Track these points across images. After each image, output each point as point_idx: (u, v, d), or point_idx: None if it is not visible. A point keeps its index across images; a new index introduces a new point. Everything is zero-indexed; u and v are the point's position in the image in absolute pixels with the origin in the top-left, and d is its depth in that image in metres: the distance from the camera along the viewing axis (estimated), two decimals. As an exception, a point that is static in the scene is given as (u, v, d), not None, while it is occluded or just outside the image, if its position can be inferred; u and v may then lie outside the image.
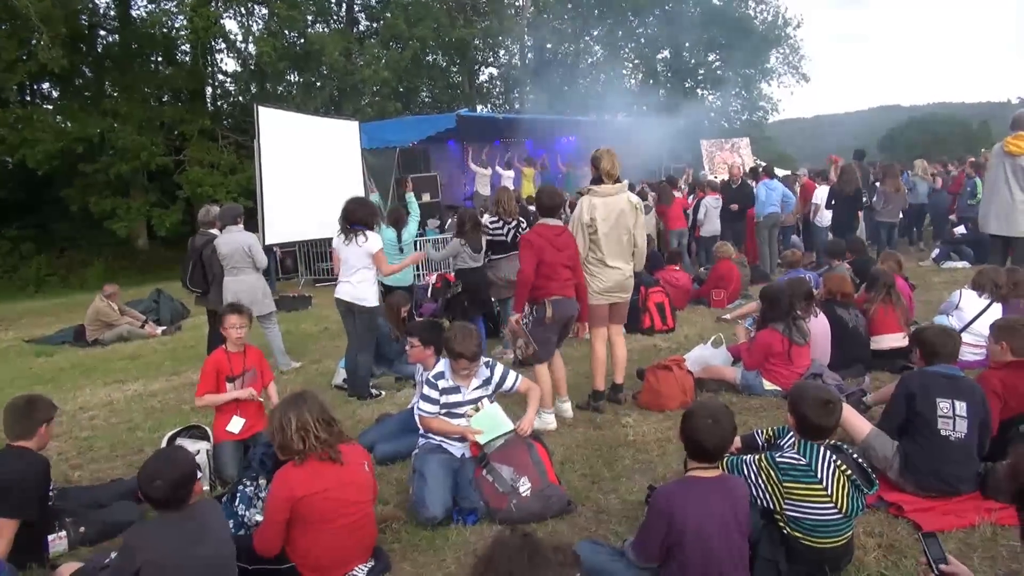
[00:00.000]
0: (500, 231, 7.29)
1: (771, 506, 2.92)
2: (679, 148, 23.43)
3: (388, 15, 24.81)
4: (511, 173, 17.63)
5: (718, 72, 35.37)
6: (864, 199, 11.25)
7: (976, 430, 3.50)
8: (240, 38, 23.05)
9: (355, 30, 27.02)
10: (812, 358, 5.45)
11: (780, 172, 23.54)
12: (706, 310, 9.19)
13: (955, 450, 3.49)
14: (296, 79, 24.20)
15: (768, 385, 5.36)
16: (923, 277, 9.96)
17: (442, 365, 3.94)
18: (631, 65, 36.01)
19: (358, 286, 6.06)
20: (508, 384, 4.11)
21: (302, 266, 15.48)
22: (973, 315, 5.68)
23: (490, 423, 3.90)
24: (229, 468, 4.42)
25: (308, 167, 12.74)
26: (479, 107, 32.83)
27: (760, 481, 2.93)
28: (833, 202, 10.23)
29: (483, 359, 4.08)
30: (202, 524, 2.64)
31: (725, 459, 3.05)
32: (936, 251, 11.27)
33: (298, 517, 2.88)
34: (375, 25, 27.25)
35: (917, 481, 3.54)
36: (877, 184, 11.51)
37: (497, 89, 35.19)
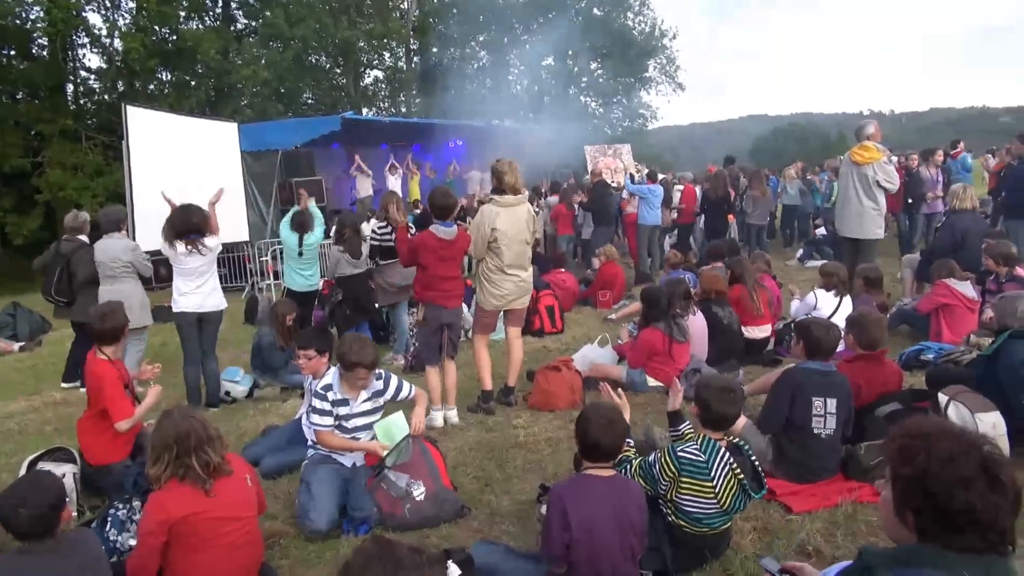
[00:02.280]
0: (388, 236, 7.21)
1: (665, 495, 3.02)
2: (564, 154, 23.96)
3: (268, 13, 23.98)
4: (397, 178, 17.44)
5: (600, 80, 36.44)
6: (737, 204, 11.96)
7: (842, 423, 3.78)
8: (105, 33, 21.63)
9: (232, 28, 25.98)
10: (691, 354, 5.72)
11: (661, 176, 24.52)
12: (593, 311, 9.44)
13: (824, 446, 3.75)
14: (169, 78, 23.00)
15: (652, 381, 5.58)
16: (789, 276, 10.65)
17: (330, 376, 3.84)
18: (516, 71, 36.53)
19: (211, 294, 5.92)
20: (403, 394, 4.08)
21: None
22: (829, 313, 6.12)
23: (391, 432, 3.86)
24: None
25: (183, 170, 12.10)
26: (364, 110, 32.33)
27: (659, 472, 3.02)
28: (704, 207, 10.78)
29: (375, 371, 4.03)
30: (70, 555, 2.46)
31: (636, 462, 3.14)
32: (800, 251, 12.08)
33: (176, 539, 2.73)
34: (254, 23, 26.30)
35: (788, 472, 3.79)
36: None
37: (383, 92, 34.80)
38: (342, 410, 3.79)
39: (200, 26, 24.07)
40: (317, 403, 3.75)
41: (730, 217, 11.62)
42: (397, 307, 7.41)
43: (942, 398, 3.88)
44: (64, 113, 20.32)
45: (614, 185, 13.78)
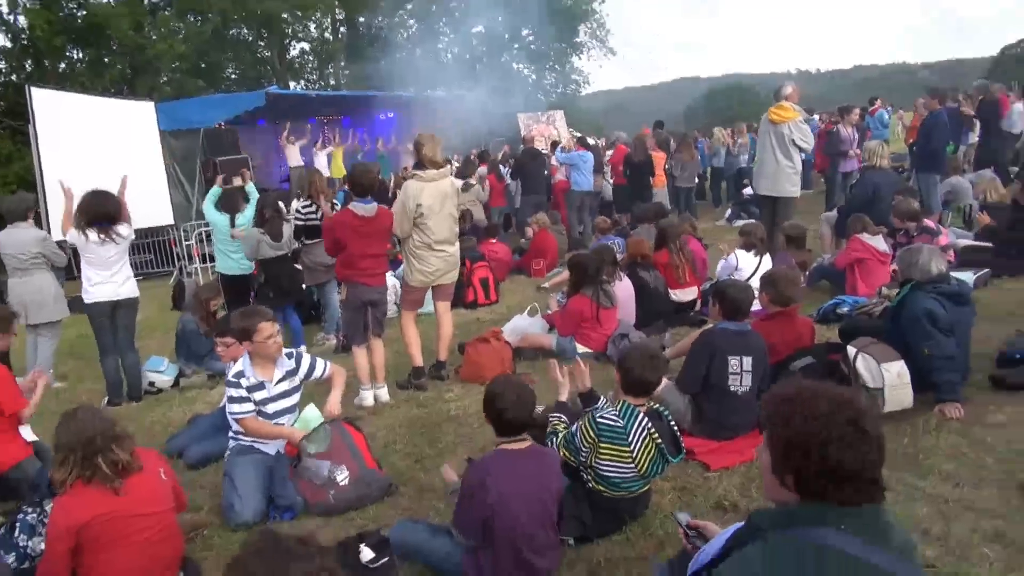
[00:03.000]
0: (313, 215, 7.06)
1: (586, 461, 3.07)
2: (498, 122, 23.75)
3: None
4: (323, 155, 17.02)
5: (532, 47, 36.17)
6: (667, 166, 12.10)
7: (758, 380, 3.89)
8: (6, 9, 20.36)
9: (147, 2, 24.75)
10: (619, 319, 5.81)
11: (592, 141, 24.59)
12: (527, 280, 9.49)
13: (740, 402, 3.87)
14: (81, 56, 21.84)
15: (581, 348, 5.64)
16: (718, 236, 10.87)
17: (240, 363, 3.75)
18: (447, 40, 35.94)
19: (125, 283, 5.77)
20: (317, 373, 4.02)
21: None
22: (750, 272, 6.28)
23: (308, 425, 3.81)
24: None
25: (97, 154, 11.62)
26: (292, 84, 31.39)
27: (580, 438, 3.07)
28: (627, 171, 10.88)
29: (285, 350, 3.96)
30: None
31: (562, 434, 3.16)
32: (728, 211, 12.34)
33: (86, 542, 2.65)
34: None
35: (706, 430, 3.90)
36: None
37: (310, 65, 33.85)
38: (259, 394, 3.71)
39: (112, 0, 22.86)
40: (232, 391, 3.66)
41: (659, 180, 11.74)
42: (326, 286, 7.27)
43: (851, 350, 4.03)
44: (-34, 96, 19.17)
45: (546, 153, 13.78)
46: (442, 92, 26.99)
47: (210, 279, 10.03)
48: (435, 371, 5.64)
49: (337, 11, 32.13)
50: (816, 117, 14.85)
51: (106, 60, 21.49)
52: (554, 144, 13.31)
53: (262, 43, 29.08)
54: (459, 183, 5.48)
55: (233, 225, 7.16)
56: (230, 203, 7.25)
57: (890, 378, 3.84)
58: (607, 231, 8.67)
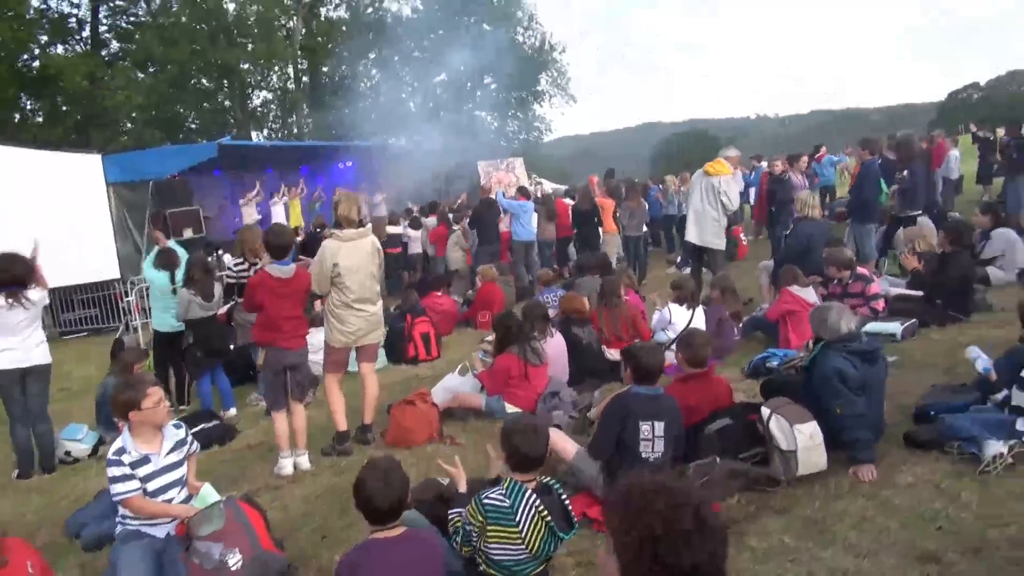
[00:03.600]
0: (246, 273, 6.95)
1: (476, 546, 2.95)
2: (459, 170, 23.87)
3: (139, 36, 22.93)
4: (280, 205, 16.91)
5: (494, 95, 36.69)
6: (617, 214, 12.19)
7: (672, 445, 3.81)
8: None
9: (105, 53, 24.71)
10: (550, 376, 5.73)
11: (551, 186, 24.80)
12: (474, 332, 9.39)
13: (652, 469, 3.77)
14: (34, 107, 21.67)
15: (510, 408, 5.53)
16: (667, 284, 10.92)
17: (120, 440, 3.56)
18: (410, 89, 36.33)
19: (37, 347, 5.59)
20: (194, 448, 3.84)
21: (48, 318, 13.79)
22: (683, 325, 6.27)
23: (205, 501, 3.63)
24: None
25: (36, 208, 11.42)
26: (254, 133, 31.43)
27: (468, 521, 2.96)
28: (576, 220, 10.95)
29: (172, 421, 3.79)
30: None
31: (457, 525, 3.04)
32: (679, 257, 12.42)
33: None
34: (127, 47, 25.10)
35: (619, 494, 3.80)
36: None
37: (273, 114, 33.97)
38: (144, 469, 3.51)
39: (66, 50, 22.81)
40: (114, 471, 3.43)
41: (608, 227, 11.81)
42: (255, 348, 7.11)
43: (764, 411, 3.98)
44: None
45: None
46: (401, 140, 27.18)
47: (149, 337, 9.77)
48: (360, 435, 5.49)
49: (300, 61, 32.39)
50: (764, 164, 15.14)
51: (62, 111, 21.33)
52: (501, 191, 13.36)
53: (223, 93, 29.16)
54: (378, 243, 5.38)
55: (173, 282, 7.02)
56: (168, 260, 7.10)
57: (803, 440, 3.80)
58: (550, 283, 8.64)
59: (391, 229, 13.45)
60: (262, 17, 27.12)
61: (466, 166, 23.64)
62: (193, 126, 28.30)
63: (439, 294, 9.45)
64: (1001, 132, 13.35)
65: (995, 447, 3.55)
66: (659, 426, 3.76)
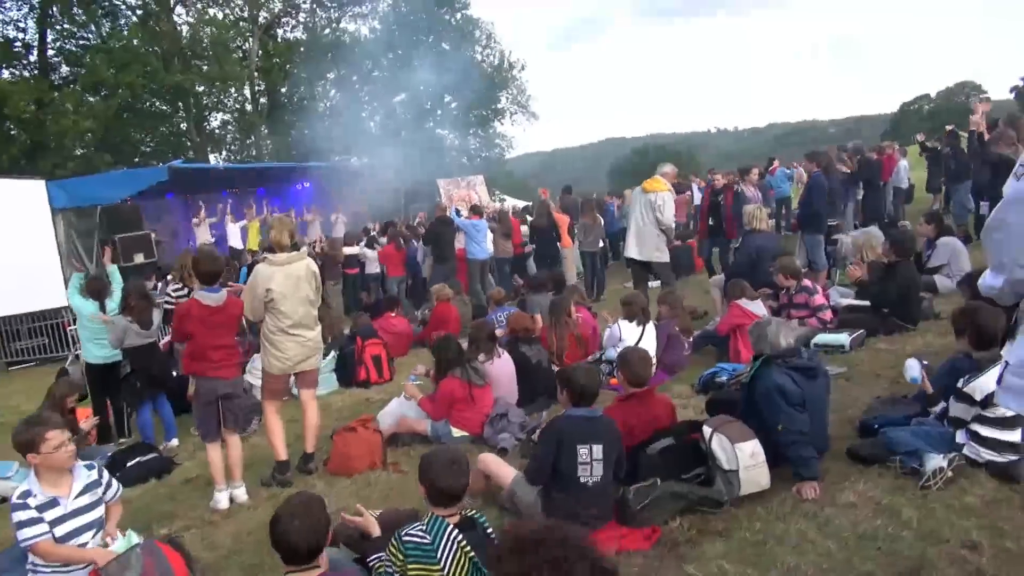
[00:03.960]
0: (184, 297, 6.74)
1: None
2: (419, 188, 23.74)
3: (88, 60, 22.46)
4: (237, 227, 16.62)
5: (455, 113, 36.70)
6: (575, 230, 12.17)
7: (611, 468, 3.69)
8: None
9: (54, 77, 24.15)
10: (498, 396, 5.60)
11: (516, 202, 24.73)
12: (429, 353, 9.21)
13: (592, 494, 3.63)
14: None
15: (456, 432, 5.40)
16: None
17: (26, 482, 3.35)
18: (370, 108, 36.17)
19: None
20: (108, 494, 3.61)
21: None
22: (634, 342, 6.20)
23: (122, 543, 3.43)
24: None
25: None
26: (212, 156, 30.98)
27: (390, 561, 2.82)
28: (533, 237, 10.90)
29: (85, 461, 3.58)
30: None
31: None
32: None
33: None
34: (76, 71, 24.58)
35: (559, 520, 3.68)
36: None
37: (231, 135, 33.52)
38: (52, 513, 3.29)
39: (13, 74, 22.24)
40: (19, 515, 3.21)
41: (566, 242, 11.79)
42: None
43: (706, 430, 3.90)
44: None
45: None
46: (358, 160, 26.99)
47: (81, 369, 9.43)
48: (302, 464, 5.30)
49: (257, 82, 32.05)
50: (718, 176, 15.27)
51: (10, 135, 20.77)
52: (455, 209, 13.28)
53: (180, 116, 28.68)
54: (315, 267, 5.23)
55: (103, 311, 6.75)
56: (97, 287, 6.84)
57: (744, 459, 3.72)
58: (502, 302, 8.53)
59: (348, 250, 13.25)
60: (216, 39, 26.78)
61: (427, 184, 23.55)
62: (147, 150, 27.81)
63: (392, 315, 9.27)
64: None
65: (935, 461, 3.51)
66: (597, 449, 3.65)
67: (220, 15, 29.69)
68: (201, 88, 27.37)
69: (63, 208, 14.65)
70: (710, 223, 10.65)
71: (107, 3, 24.50)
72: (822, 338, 6.23)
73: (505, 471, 3.92)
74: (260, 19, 32.35)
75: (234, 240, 16.61)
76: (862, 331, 6.26)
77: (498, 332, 6.54)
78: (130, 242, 14.28)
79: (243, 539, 4.30)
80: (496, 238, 12.02)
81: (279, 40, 33.30)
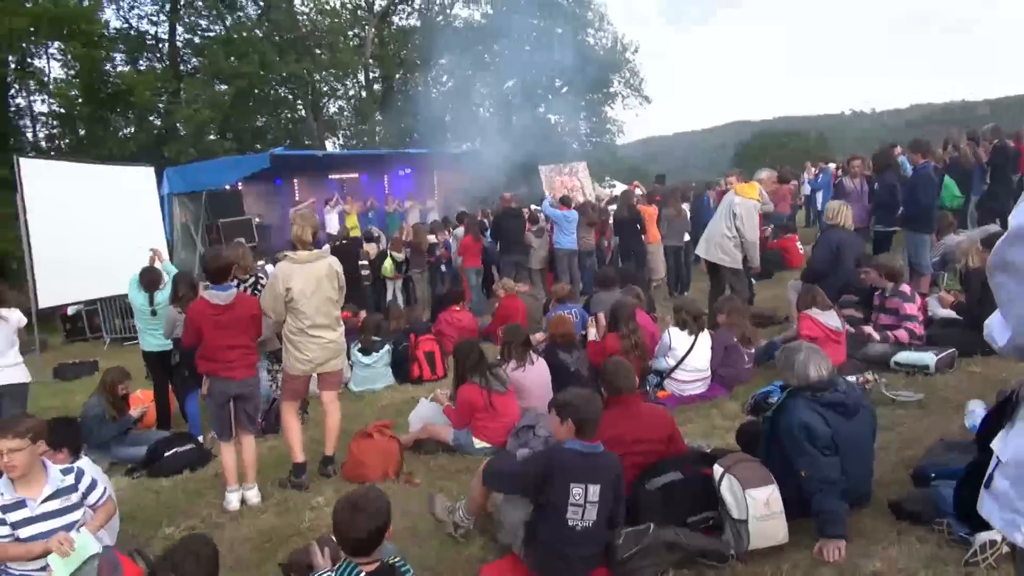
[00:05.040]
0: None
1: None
2: (520, 175, 23.48)
3: (208, 51, 23.68)
4: (335, 213, 17.02)
5: (566, 98, 36.13)
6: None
7: (607, 511, 3.26)
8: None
9: (182, 68, 25.70)
10: (528, 407, 5.26)
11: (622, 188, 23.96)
12: (495, 348, 8.97)
13: (581, 538, 3.22)
14: (113, 121, 22.66)
15: (478, 443, 5.12)
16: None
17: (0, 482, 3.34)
18: (482, 93, 36.26)
19: (13, 368, 5.61)
20: (92, 497, 3.55)
21: (106, 325, 14.31)
22: (684, 351, 5.67)
23: (80, 550, 3.37)
24: None
25: (90, 220, 11.83)
26: (329, 142, 32.12)
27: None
28: (617, 229, 10.38)
29: (62, 466, 3.54)
30: None
31: None
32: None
33: None
34: (197, 61, 26.01)
35: (539, 558, 3.30)
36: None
37: (347, 122, 34.61)
38: (17, 514, 3.26)
39: (141, 66, 23.80)
40: (-18, 513, 3.22)
41: (652, 236, 11.21)
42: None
43: (717, 470, 3.41)
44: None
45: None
46: (463, 147, 27.07)
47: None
48: (322, 467, 5.19)
49: (372, 70, 32.88)
50: (832, 166, 14.05)
51: (133, 127, 22.22)
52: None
53: (299, 103, 29.85)
54: (338, 265, 5.07)
55: (152, 303, 6.95)
56: (150, 280, 7.03)
57: (756, 507, 3.21)
58: (565, 299, 8.11)
59: (432, 239, 13.20)
60: (332, 28, 27.62)
61: (530, 171, 23.26)
62: (270, 136, 29.11)
63: (457, 308, 9.07)
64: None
65: (988, 532, 2.87)
66: (593, 490, 3.20)
67: (337, 4, 30.62)
68: (317, 76, 28.30)
69: (178, 193, 15.53)
70: None
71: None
72: (904, 356, 5.46)
73: (493, 494, 3.59)
74: (376, 7, 33.14)
75: (332, 227, 17.01)
76: (952, 350, 5.42)
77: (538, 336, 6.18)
78: (232, 226, 14.94)
79: (235, 548, 4.21)
80: (578, 228, 11.58)
81: (394, 27, 33.95)
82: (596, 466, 3.30)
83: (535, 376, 5.46)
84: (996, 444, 1.44)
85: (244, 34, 24.41)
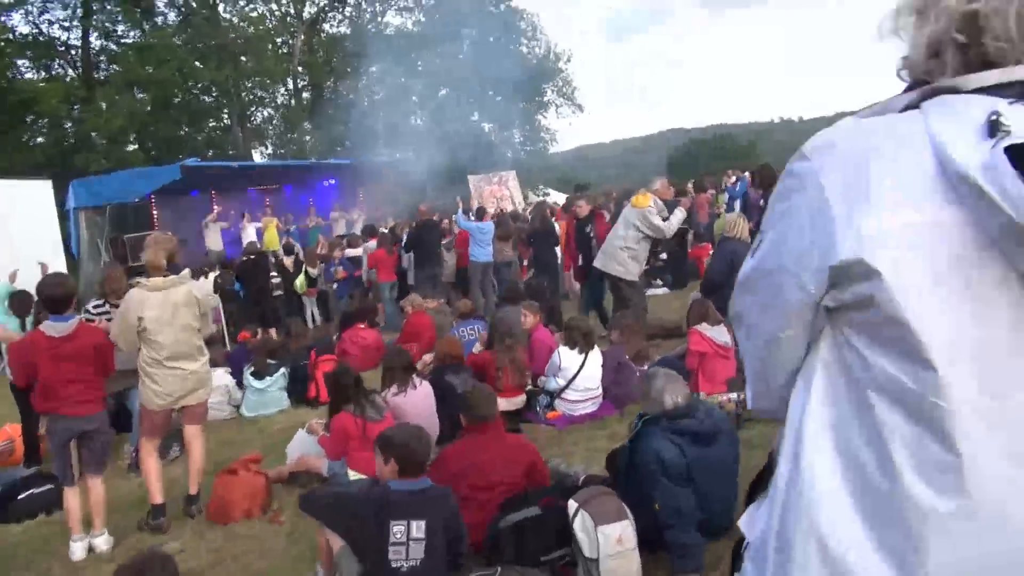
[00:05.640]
0: (107, 316, 6.36)
1: None
2: (448, 184, 23.22)
3: (121, 58, 22.80)
4: (253, 228, 16.44)
5: (500, 106, 36.09)
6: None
7: (438, 549, 3.03)
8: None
9: (96, 76, 24.64)
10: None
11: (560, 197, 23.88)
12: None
13: (409, 579, 3.02)
14: (20, 131, 21.56)
15: (353, 474, 4.83)
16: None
17: None
18: (415, 102, 35.88)
19: None
20: None
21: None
22: (575, 371, 5.52)
23: None
24: None
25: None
26: (256, 152, 31.37)
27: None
28: (531, 240, 10.23)
29: None
30: None
31: None
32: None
33: None
34: (115, 69, 25.02)
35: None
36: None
37: (276, 131, 33.81)
38: None
39: (52, 76, 22.76)
40: None
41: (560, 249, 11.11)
42: (128, 393, 6.51)
43: (571, 505, 3.22)
44: None
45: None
46: (399, 155, 26.69)
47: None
48: (186, 507, 4.85)
49: (300, 78, 32.23)
50: (747, 175, 14.25)
51: (39, 137, 21.25)
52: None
53: (225, 112, 28.98)
54: (199, 291, 4.75)
55: (24, 329, 6.47)
56: (22, 304, 6.55)
57: (607, 545, 3.04)
58: (468, 315, 7.90)
59: (349, 252, 12.84)
60: (259, 34, 26.96)
61: (462, 180, 23.05)
62: (194, 146, 28.16)
63: (362, 326, 8.77)
64: None
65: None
66: (417, 526, 2.98)
67: (265, 11, 29.92)
68: (243, 84, 27.58)
69: (83, 207, 14.78)
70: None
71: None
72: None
73: (336, 541, 3.33)
74: (305, 14, 32.55)
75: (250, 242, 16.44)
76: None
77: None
78: (138, 241, 14.25)
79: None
80: (493, 240, 11.39)
81: (324, 35, 33.40)
82: (423, 501, 3.09)
83: (418, 401, 5.23)
84: (743, 519, 1.26)
85: (162, 41, 23.58)
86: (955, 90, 0.93)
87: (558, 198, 23.89)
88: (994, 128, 0.83)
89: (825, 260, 0.91)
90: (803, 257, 0.95)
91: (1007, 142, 0.81)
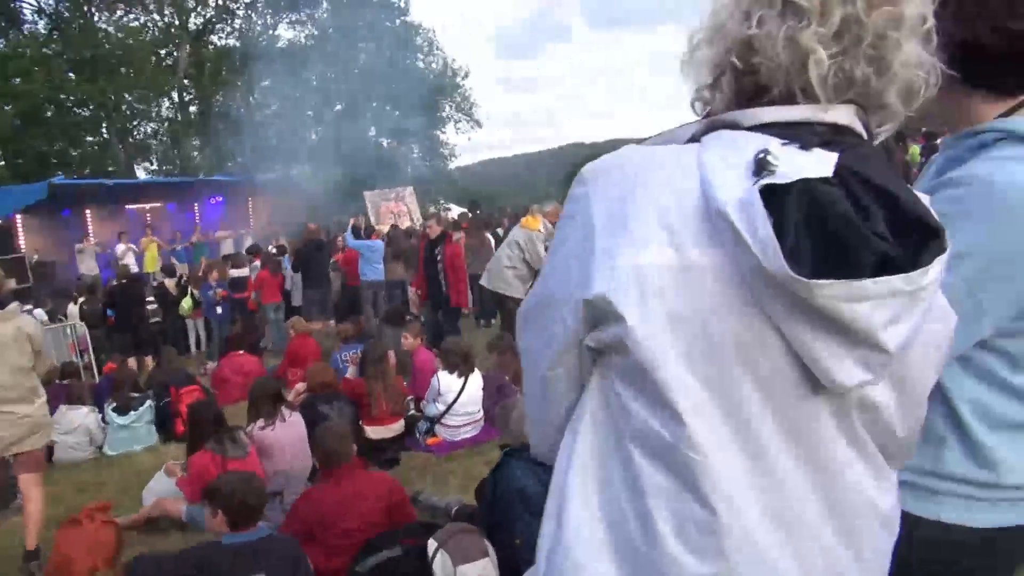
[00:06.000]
0: None
1: None
2: (343, 201, 22.71)
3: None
4: (130, 249, 15.44)
5: (396, 121, 35.77)
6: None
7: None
8: None
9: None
10: (278, 470, 4.74)
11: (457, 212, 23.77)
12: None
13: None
14: None
15: (215, 518, 4.53)
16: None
17: None
18: (309, 117, 35.03)
19: None
20: None
21: None
22: (454, 396, 5.40)
23: None
24: None
25: None
26: (140, 168, 29.82)
27: None
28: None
29: None
30: None
31: None
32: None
33: None
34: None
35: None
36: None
37: (159, 146, 32.22)
38: None
39: None
40: None
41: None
42: None
43: (431, 545, 3.08)
44: None
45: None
46: (295, 171, 25.94)
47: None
48: (24, 564, 4.39)
49: (185, 93, 30.92)
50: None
51: None
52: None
53: (103, 126, 27.33)
54: (31, 327, 4.33)
55: None
56: None
57: (467, 586, 2.91)
58: (350, 338, 7.64)
59: (235, 272, 12.26)
60: (136, 46, 25.61)
61: (358, 196, 22.57)
62: (71, 162, 26.40)
63: (240, 353, 8.33)
64: None
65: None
66: None
67: (148, 21, 28.55)
68: (123, 97, 26.11)
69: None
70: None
71: (13, 5, 23.23)
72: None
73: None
74: (191, 25, 31.25)
75: (130, 264, 15.45)
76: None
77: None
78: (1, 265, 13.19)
79: None
80: (385, 259, 11.15)
81: (211, 48, 32.17)
82: (258, 553, 2.88)
83: (285, 434, 4.95)
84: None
85: (25, 51, 22.02)
86: (736, 125, 0.89)
87: (456, 214, 23.83)
88: (760, 167, 0.78)
89: (581, 294, 0.84)
90: (566, 288, 0.87)
91: (766, 181, 0.76)
